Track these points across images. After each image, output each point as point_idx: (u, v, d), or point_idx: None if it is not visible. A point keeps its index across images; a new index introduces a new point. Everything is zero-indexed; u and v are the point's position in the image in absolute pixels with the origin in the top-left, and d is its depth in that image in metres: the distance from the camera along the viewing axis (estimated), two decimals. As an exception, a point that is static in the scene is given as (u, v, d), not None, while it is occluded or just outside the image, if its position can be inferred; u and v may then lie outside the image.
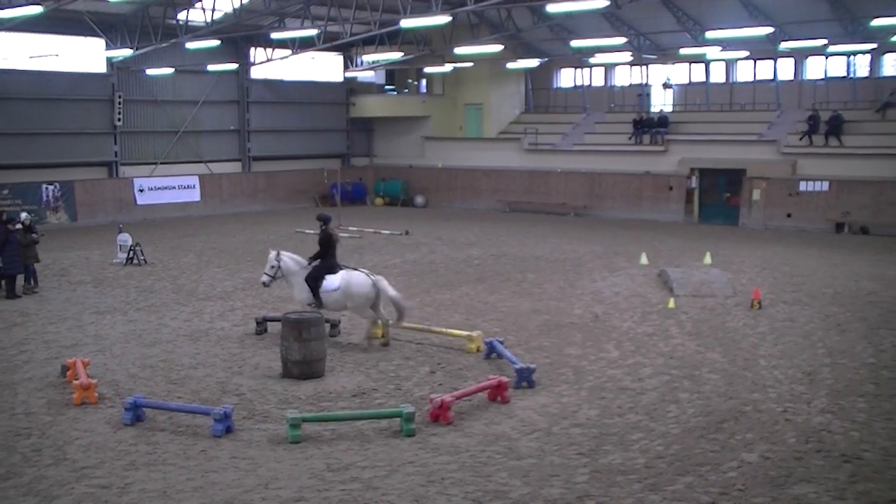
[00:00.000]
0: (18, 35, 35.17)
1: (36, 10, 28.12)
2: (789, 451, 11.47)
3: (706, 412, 13.07)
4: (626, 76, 46.70)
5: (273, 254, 17.67)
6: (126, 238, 27.70)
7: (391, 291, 17.16)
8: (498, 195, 44.57)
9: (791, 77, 41.09)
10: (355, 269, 17.62)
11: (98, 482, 10.61)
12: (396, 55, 43.24)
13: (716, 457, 11.28)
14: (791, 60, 40.63)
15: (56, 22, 34.58)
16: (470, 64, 45.31)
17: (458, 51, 40.74)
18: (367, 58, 45.93)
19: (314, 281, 17.23)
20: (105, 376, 14.81)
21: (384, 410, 13.00)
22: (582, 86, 47.95)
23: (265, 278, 17.71)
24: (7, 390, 14.30)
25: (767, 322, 19.03)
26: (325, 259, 17.49)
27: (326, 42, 37.66)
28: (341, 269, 17.44)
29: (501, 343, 16.30)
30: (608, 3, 29.30)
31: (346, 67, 48.30)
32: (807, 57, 39.94)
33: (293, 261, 17.65)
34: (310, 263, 17.60)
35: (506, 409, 13.29)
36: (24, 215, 24.33)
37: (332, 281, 17.12)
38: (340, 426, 12.50)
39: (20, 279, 22.56)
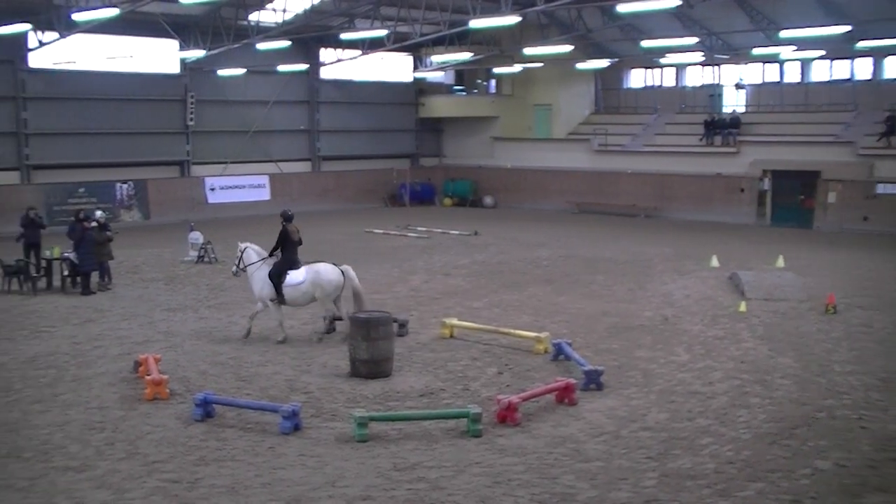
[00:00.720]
0: (95, 37, 35.87)
1: (112, 12, 28.63)
2: (864, 459, 11.22)
3: (778, 418, 12.84)
4: (697, 76, 46.15)
5: (240, 245, 18.29)
6: (197, 236, 28.07)
7: (356, 282, 17.49)
8: (567, 196, 44.33)
9: (869, 77, 40.25)
10: (320, 261, 17.95)
11: (168, 476, 10.76)
12: (466, 55, 43.26)
13: (788, 463, 11.07)
14: (869, 60, 39.78)
15: (131, 24, 35.22)
16: (539, 64, 45.11)
17: (528, 51, 40.58)
18: (437, 58, 46.00)
19: (277, 277, 17.49)
20: (176, 372, 15.00)
21: (451, 411, 12.99)
22: (652, 86, 47.51)
23: (234, 268, 18.39)
24: (82, 385, 14.56)
25: (842, 327, 18.64)
26: (286, 255, 17.72)
27: (396, 42, 37.76)
28: (302, 264, 17.70)
29: (569, 345, 16.18)
30: (680, 2, 28.96)
31: (415, 68, 48.45)
32: (885, 56, 39.04)
33: (255, 252, 18.01)
34: (270, 255, 17.89)
35: (573, 411, 13.19)
36: (99, 213, 24.85)
37: (295, 276, 17.41)
38: (407, 426, 12.50)
39: (95, 276, 22.99)
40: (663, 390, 14.25)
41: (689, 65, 45.21)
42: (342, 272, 17.50)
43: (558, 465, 11.12)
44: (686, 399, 13.77)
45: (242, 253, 18.08)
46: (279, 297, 17.55)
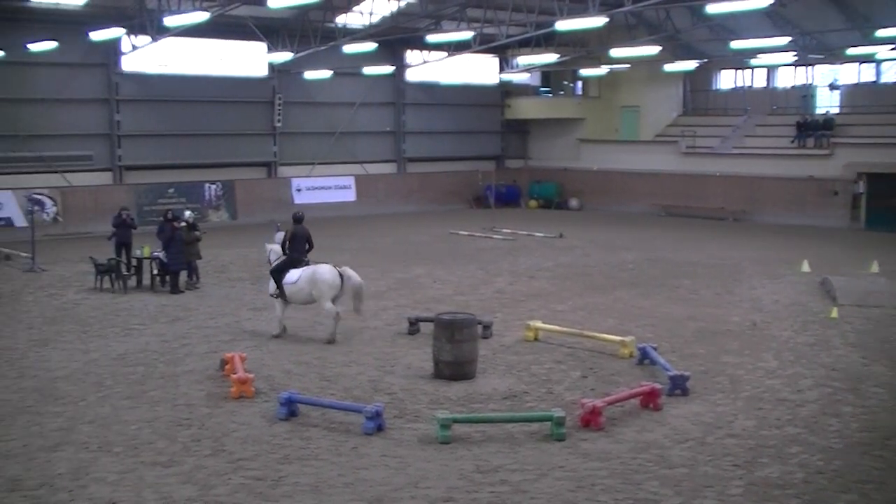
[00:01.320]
0: (185, 40, 36.54)
1: (202, 16, 29.09)
2: (963, 471, 10.86)
3: (871, 427, 12.49)
4: (789, 77, 45.27)
5: (267, 246, 19.32)
6: (283, 236, 28.29)
7: (354, 280, 17.72)
8: (653, 199, 43.83)
9: (970, 76, 39.07)
10: (324, 263, 18.55)
11: (253, 474, 10.87)
12: (552, 57, 43.02)
13: (881, 475, 10.76)
14: (971, 58, 38.61)
15: (220, 27, 35.73)
16: (626, 66, 44.63)
17: (615, 52, 40.17)
18: (523, 60, 45.78)
19: (277, 273, 18.21)
20: (261, 371, 15.15)
21: (534, 413, 12.91)
22: (742, 87, 46.74)
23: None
24: (170, 382, 14.81)
25: (939, 334, 18.10)
26: (290, 254, 18.44)
27: (482, 44, 37.73)
28: (307, 264, 18.44)
29: (655, 349, 15.97)
30: (772, 1, 28.38)
31: (501, 69, 48.31)
32: None
33: (274, 253, 18.91)
34: (284, 254, 18.58)
35: (658, 416, 13.01)
36: (188, 213, 25.23)
37: (291, 275, 17.95)
38: (490, 428, 12.45)
39: (183, 275, 23.37)
40: (751, 397, 13.97)
41: (781, 65, 44.30)
42: (339, 274, 17.76)
43: (642, 470, 10.97)
44: (774, 406, 13.47)
45: (269, 253, 18.98)
46: (280, 293, 18.06)
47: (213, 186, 39.21)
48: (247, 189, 40.32)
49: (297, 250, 18.52)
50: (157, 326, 19.04)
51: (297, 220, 18.86)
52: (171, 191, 37.75)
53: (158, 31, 32.88)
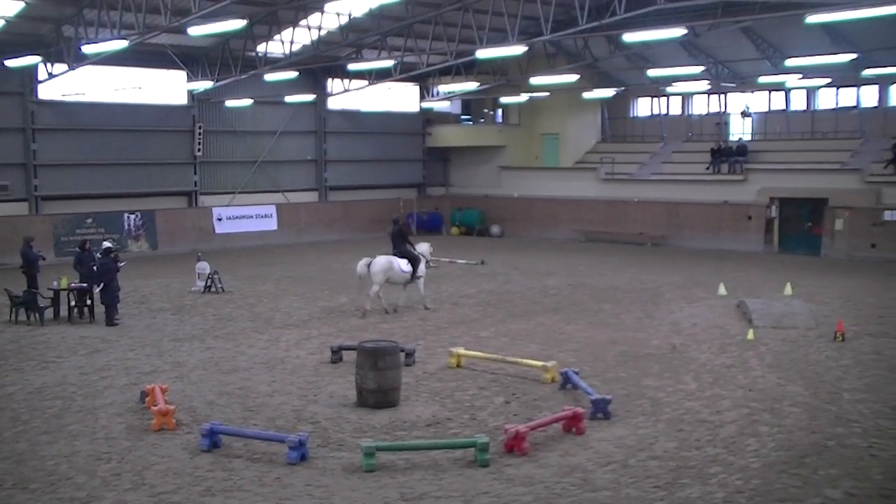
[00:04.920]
0: (104, 68, 36.06)
1: (121, 44, 28.81)
2: (875, 488, 11.14)
3: (787, 446, 12.75)
4: (703, 105, 46.31)
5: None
6: (205, 266, 28.08)
7: (359, 268, 23.31)
8: (575, 225, 44.31)
9: (875, 104, 40.33)
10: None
11: (175, 508, 10.72)
12: (472, 85, 43.42)
13: (798, 493, 10.99)
14: (875, 87, 39.89)
15: (140, 55, 35.40)
16: (546, 94, 45.24)
17: (535, 80, 40.72)
18: (444, 88, 46.14)
19: None
20: (183, 403, 14.97)
21: (459, 440, 12.95)
22: (659, 115, 47.67)
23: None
24: (88, 415, 14.53)
25: (851, 355, 18.53)
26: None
27: (403, 73, 38.00)
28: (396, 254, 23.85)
29: (577, 374, 16.11)
30: (686, 31, 29.05)
31: (422, 97, 48.65)
32: (891, 84, 39.14)
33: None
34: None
35: (581, 440, 13.12)
36: (106, 244, 24.79)
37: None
38: (415, 455, 12.44)
39: (99, 307, 22.91)
40: (671, 419, 14.18)
41: (696, 93, 45.41)
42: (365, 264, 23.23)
43: (566, 494, 11.05)
44: (694, 428, 13.69)
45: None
46: None
47: (133, 216, 38.63)
48: (167, 219, 39.85)
49: (394, 244, 24.05)
50: (76, 359, 18.67)
51: (392, 222, 25.06)
52: (89, 221, 37.06)
53: (76, 59, 32.47)
